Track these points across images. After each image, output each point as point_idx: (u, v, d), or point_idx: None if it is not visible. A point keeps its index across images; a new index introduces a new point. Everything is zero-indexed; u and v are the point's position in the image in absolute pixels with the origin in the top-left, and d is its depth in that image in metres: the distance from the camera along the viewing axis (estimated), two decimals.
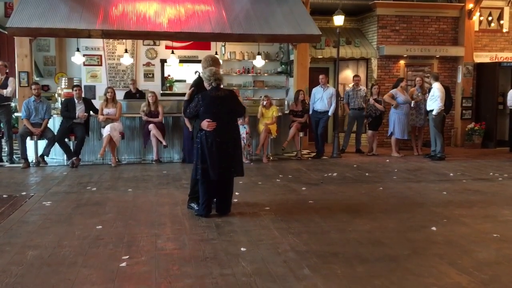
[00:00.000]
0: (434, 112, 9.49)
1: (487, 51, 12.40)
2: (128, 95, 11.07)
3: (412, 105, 10.11)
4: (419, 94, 10.29)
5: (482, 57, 12.29)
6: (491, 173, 8.20)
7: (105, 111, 8.88)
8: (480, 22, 12.35)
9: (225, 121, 5.13)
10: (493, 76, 11.89)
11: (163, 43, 12.35)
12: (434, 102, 9.50)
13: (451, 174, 8.09)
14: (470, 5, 11.84)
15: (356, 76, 10.93)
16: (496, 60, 12.27)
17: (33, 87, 8.74)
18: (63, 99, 9.62)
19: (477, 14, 12.03)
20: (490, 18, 12.43)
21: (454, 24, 12.13)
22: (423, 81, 10.40)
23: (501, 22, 12.47)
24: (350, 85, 10.99)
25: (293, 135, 9.63)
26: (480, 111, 12.22)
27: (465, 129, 12.01)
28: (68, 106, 8.71)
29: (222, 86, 5.37)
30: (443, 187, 6.95)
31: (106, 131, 8.62)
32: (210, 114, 5.09)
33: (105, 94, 9.07)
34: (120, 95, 9.82)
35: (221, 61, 12.14)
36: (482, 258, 4.00)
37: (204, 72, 5.30)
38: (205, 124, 5.08)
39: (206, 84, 5.23)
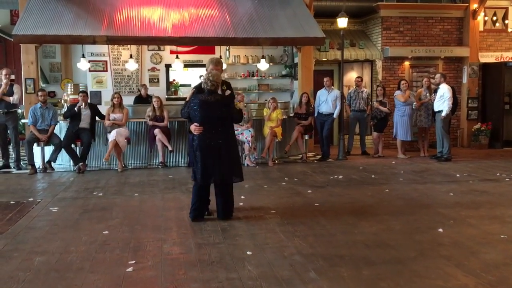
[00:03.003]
0: (443, 113, 9.43)
1: (492, 51, 12.34)
2: (139, 100, 11.11)
3: (413, 106, 10.06)
4: (427, 94, 10.25)
5: (488, 57, 12.23)
6: (498, 174, 8.16)
7: (112, 116, 8.93)
8: (485, 22, 12.29)
9: (213, 126, 5.09)
10: (499, 76, 11.83)
11: (168, 48, 12.41)
12: (444, 102, 9.45)
13: (458, 175, 8.05)
14: (475, 5, 11.80)
15: (357, 77, 10.93)
16: (502, 60, 12.21)
17: (39, 93, 8.80)
18: (69, 105, 9.69)
19: (482, 14, 11.98)
20: (494, 18, 12.37)
21: (459, 25, 12.09)
22: (430, 82, 10.36)
23: (506, 21, 12.41)
24: (353, 87, 11.01)
25: (296, 138, 9.63)
26: (486, 111, 12.16)
27: (471, 130, 11.95)
28: (74, 115, 8.76)
29: (223, 90, 5.36)
30: (450, 188, 6.92)
31: (111, 136, 8.66)
32: (198, 117, 5.12)
33: (112, 100, 9.12)
34: (126, 100, 9.86)
35: (225, 65, 12.20)
36: (489, 259, 3.98)
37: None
38: (193, 127, 5.15)
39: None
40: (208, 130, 5.10)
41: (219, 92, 5.32)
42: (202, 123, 5.11)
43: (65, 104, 10.70)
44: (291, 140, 9.67)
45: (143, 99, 11.08)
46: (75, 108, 8.73)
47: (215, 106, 5.11)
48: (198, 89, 5.36)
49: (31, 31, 8.94)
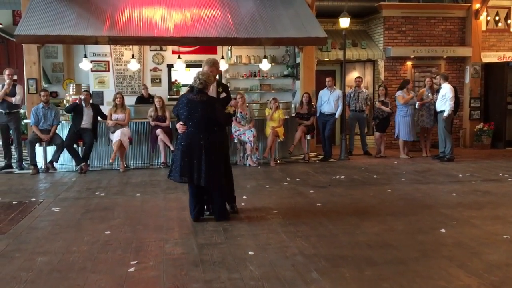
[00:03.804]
0: (445, 114, 9.41)
1: (495, 51, 12.33)
2: (141, 100, 11.13)
3: (416, 106, 10.05)
4: (429, 95, 10.23)
5: (490, 57, 12.22)
6: (500, 174, 8.13)
7: (114, 116, 8.93)
8: (487, 22, 12.29)
9: (195, 126, 5.07)
10: (502, 76, 11.81)
11: (170, 48, 12.43)
12: (446, 102, 9.43)
13: (460, 175, 8.03)
14: (477, 5, 11.77)
15: (357, 77, 10.92)
16: (504, 60, 12.20)
17: (41, 93, 8.82)
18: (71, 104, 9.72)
19: (484, 14, 11.97)
20: (497, 18, 12.36)
21: (461, 25, 12.06)
22: (432, 82, 10.35)
23: (508, 21, 12.41)
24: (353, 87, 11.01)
25: (299, 139, 9.63)
26: (489, 111, 12.14)
27: (474, 130, 11.93)
28: (75, 109, 8.77)
29: (219, 92, 5.35)
30: (452, 189, 6.90)
31: (116, 136, 8.67)
32: (183, 116, 5.13)
33: (114, 100, 9.13)
34: (128, 100, 9.89)
35: (227, 65, 12.23)
36: (492, 260, 3.96)
37: None
38: (178, 126, 5.18)
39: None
40: (192, 130, 5.08)
41: (213, 93, 5.30)
42: (186, 122, 5.11)
43: (67, 104, 10.73)
44: (294, 140, 9.65)
45: (144, 100, 11.11)
46: (77, 101, 8.77)
47: (200, 106, 5.05)
48: (191, 88, 5.35)
49: (33, 31, 8.94)
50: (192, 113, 5.06)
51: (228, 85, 5.86)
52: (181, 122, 5.15)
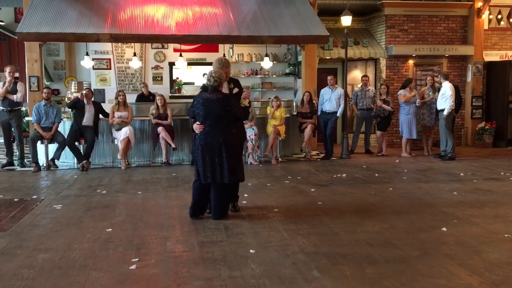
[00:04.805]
0: (445, 112, 9.41)
1: (497, 49, 12.29)
2: (141, 98, 11.14)
3: (417, 103, 10.03)
4: (430, 93, 10.22)
5: (492, 56, 12.18)
6: (502, 173, 8.12)
7: (117, 114, 8.94)
8: (490, 20, 12.24)
9: (213, 125, 5.08)
10: (504, 75, 11.78)
11: (171, 46, 12.42)
12: (445, 101, 9.43)
13: (462, 174, 8.02)
14: (479, 4, 11.74)
15: (364, 76, 10.90)
16: (506, 59, 12.16)
17: (44, 91, 8.84)
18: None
19: (486, 12, 11.93)
20: (499, 17, 12.31)
21: (463, 23, 12.04)
22: (434, 80, 10.33)
23: (511, 20, 12.36)
24: (359, 86, 10.97)
25: (310, 135, 9.61)
26: (491, 110, 12.11)
27: (476, 129, 11.91)
28: (76, 105, 8.78)
29: (231, 88, 5.36)
30: (454, 187, 6.90)
31: (124, 133, 8.69)
32: (199, 116, 5.14)
33: (116, 98, 9.13)
34: (129, 98, 9.88)
35: None
36: (493, 258, 3.96)
37: None
38: (195, 126, 5.17)
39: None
40: (208, 129, 5.10)
41: (226, 90, 5.31)
42: (203, 121, 5.12)
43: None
44: (305, 137, 9.60)
45: (144, 97, 11.13)
46: (79, 96, 8.79)
47: (216, 104, 5.07)
48: (204, 88, 5.36)
49: (35, 29, 8.94)
50: (209, 111, 5.07)
51: (238, 79, 5.86)
52: (197, 122, 5.15)
